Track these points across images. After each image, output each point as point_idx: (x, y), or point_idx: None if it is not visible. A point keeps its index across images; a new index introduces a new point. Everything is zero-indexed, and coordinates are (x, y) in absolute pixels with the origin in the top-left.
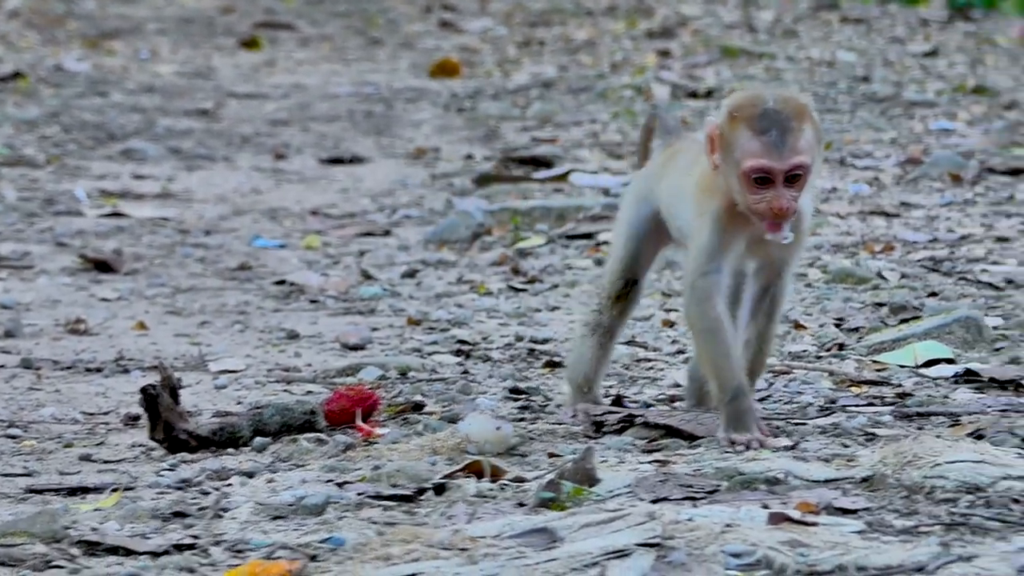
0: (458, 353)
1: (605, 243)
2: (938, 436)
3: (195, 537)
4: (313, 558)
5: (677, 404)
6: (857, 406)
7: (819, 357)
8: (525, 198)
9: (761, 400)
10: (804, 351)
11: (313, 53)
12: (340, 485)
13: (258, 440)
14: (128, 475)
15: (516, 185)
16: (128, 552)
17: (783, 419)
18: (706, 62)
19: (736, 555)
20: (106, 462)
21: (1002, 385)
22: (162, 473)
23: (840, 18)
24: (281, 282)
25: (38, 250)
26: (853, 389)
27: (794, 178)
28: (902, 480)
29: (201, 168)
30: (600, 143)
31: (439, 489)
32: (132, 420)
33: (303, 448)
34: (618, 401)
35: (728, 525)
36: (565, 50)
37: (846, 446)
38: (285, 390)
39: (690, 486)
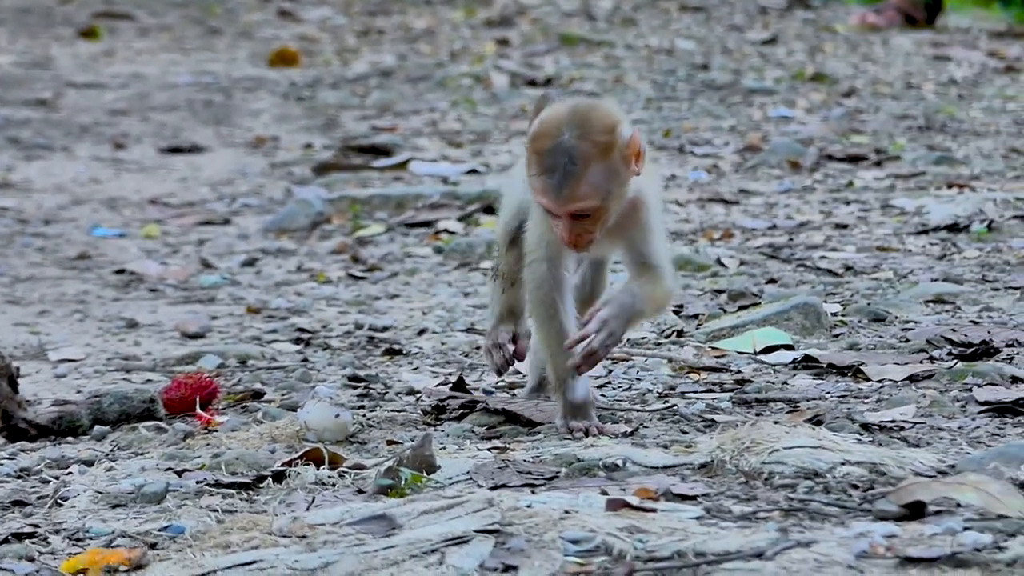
0: (297, 341)
1: (445, 231)
2: (776, 422)
3: (35, 526)
4: (152, 546)
5: (518, 391)
6: (696, 392)
7: (658, 344)
8: (364, 186)
9: (600, 387)
10: (643, 338)
11: (152, 43)
12: (179, 473)
13: (97, 428)
14: None
15: (355, 174)
16: None
17: (622, 406)
18: (545, 50)
19: (575, 541)
20: None
21: (840, 371)
22: (1, 462)
23: (679, 6)
24: (121, 271)
25: None
26: (692, 375)
27: (583, 215)
28: (740, 466)
29: (40, 158)
30: (439, 131)
31: (278, 477)
32: None
33: (142, 436)
34: (459, 386)
35: (567, 511)
36: (404, 39)
37: (685, 432)
38: (124, 379)
39: (529, 473)
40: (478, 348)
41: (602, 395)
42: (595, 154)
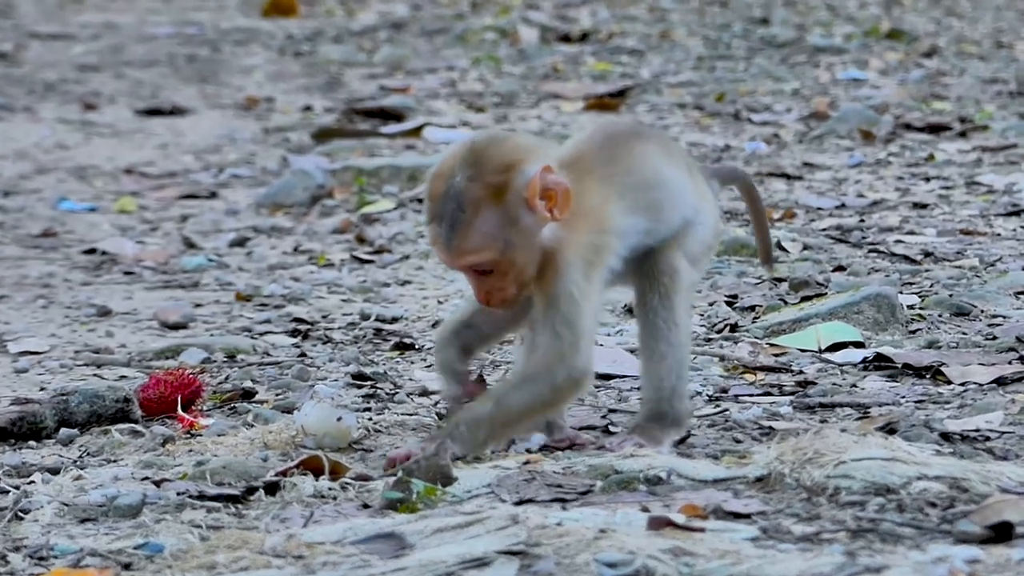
0: (294, 333)
1: None
2: (843, 430)
3: None
4: (127, 566)
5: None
6: (751, 396)
7: (709, 340)
8: (372, 156)
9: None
10: (692, 333)
11: None
12: (158, 483)
13: (64, 431)
14: None
15: (362, 141)
16: None
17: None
18: (581, 1)
19: (611, 564)
20: None
21: (917, 372)
22: None
23: None
24: (91, 251)
25: None
26: (747, 376)
27: (486, 271)
28: (802, 480)
29: None
30: (458, 93)
31: (271, 488)
32: None
33: (115, 441)
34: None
35: (602, 530)
36: None
37: (738, 441)
38: (95, 374)
39: (559, 486)
40: (501, 344)
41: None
42: (485, 198)
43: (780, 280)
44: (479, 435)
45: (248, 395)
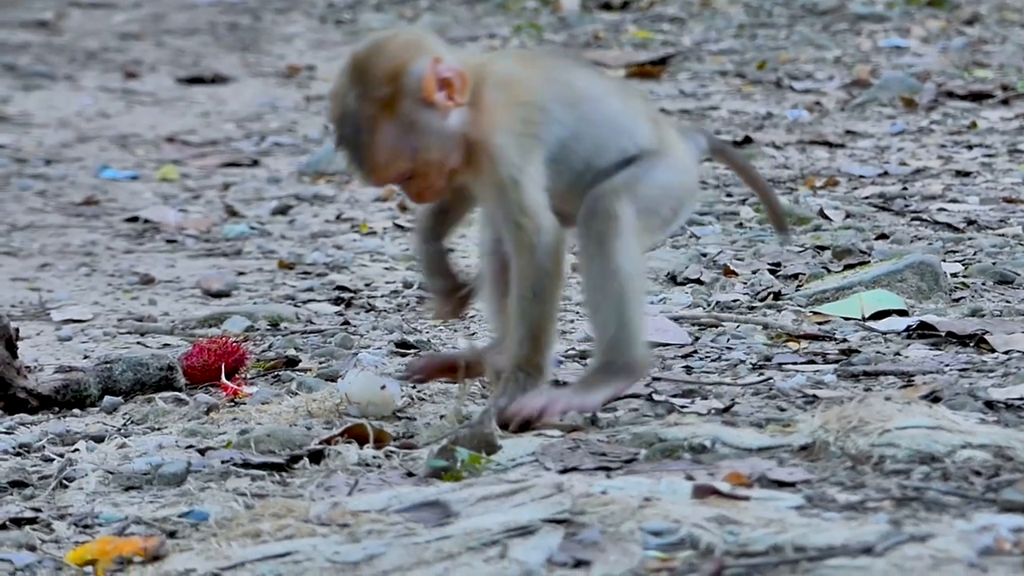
0: (337, 301)
1: None
2: (888, 399)
3: (36, 510)
4: (171, 535)
5: (589, 361)
6: (795, 364)
7: (752, 308)
8: None
9: (686, 356)
10: (735, 301)
11: None
12: (202, 451)
13: (108, 400)
14: None
15: None
16: None
17: (711, 379)
18: None
19: (656, 533)
20: None
21: (961, 340)
22: None
23: None
24: (133, 219)
25: None
26: (791, 344)
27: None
28: (846, 448)
29: (40, 88)
30: None
31: (315, 456)
32: None
33: (159, 409)
34: None
35: (647, 499)
36: None
37: (782, 409)
38: (139, 343)
39: (604, 454)
40: None
41: (688, 366)
42: (378, 114)
43: (823, 248)
44: (537, 361)
45: (292, 363)
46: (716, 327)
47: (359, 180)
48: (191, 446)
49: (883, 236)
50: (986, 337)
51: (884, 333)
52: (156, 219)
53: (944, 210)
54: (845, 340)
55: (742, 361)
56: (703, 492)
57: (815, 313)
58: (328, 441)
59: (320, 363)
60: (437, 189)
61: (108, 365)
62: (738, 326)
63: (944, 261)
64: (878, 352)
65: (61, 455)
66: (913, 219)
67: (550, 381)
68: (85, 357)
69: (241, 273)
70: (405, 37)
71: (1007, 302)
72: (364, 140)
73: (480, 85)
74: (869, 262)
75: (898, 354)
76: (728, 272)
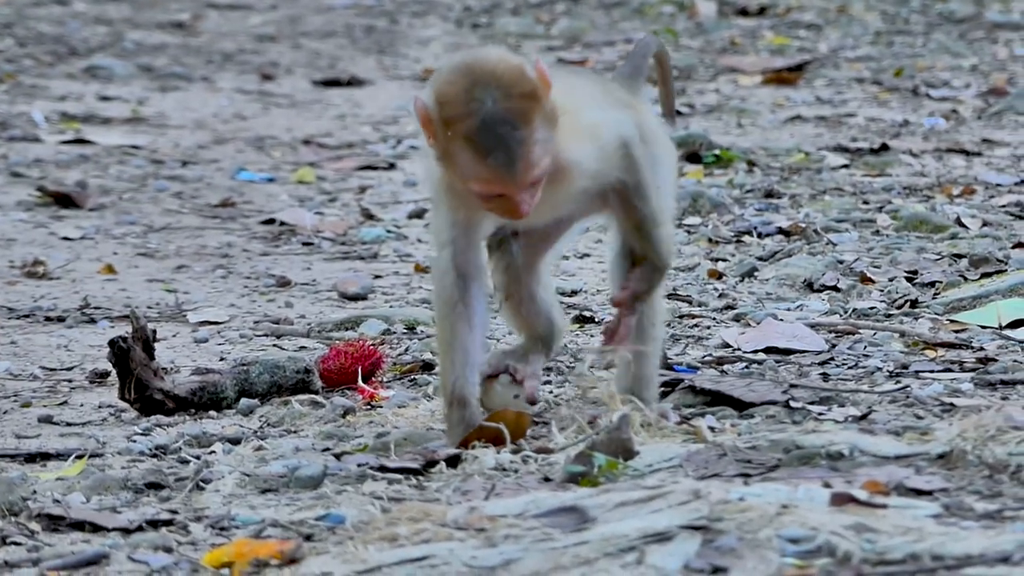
0: None
1: None
2: None
3: (172, 512)
4: (308, 538)
5: (727, 367)
6: (932, 372)
7: (888, 315)
8: None
9: (823, 363)
10: (872, 308)
11: None
12: (338, 455)
13: (244, 402)
14: (95, 440)
15: None
16: (95, 528)
17: (848, 386)
18: None
19: (794, 540)
20: (69, 424)
21: None
22: (134, 438)
23: None
24: (269, 221)
25: None
26: (928, 352)
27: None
28: (984, 457)
29: (177, 89)
30: None
31: (452, 461)
32: (99, 377)
33: (296, 412)
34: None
35: (784, 506)
36: None
37: (920, 417)
38: (275, 345)
39: (748, 461)
40: (681, 318)
41: (824, 373)
42: (529, 109)
43: (960, 256)
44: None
45: (428, 367)
46: (853, 334)
47: (511, 182)
48: (327, 449)
49: (1020, 245)
50: None
51: (1021, 342)
52: (292, 221)
53: None
54: (982, 349)
55: (879, 369)
56: (841, 500)
57: (952, 321)
58: (465, 445)
59: None
60: (535, 199)
61: (245, 367)
62: (875, 333)
63: None
64: (1015, 361)
65: (197, 457)
66: None
67: None
68: (221, 359)
69: (377, 276)
70: (497, 51)
71: None
72: (522, 136)
73: None
74: (1006, 271)
75: None
76: (865, 279)
